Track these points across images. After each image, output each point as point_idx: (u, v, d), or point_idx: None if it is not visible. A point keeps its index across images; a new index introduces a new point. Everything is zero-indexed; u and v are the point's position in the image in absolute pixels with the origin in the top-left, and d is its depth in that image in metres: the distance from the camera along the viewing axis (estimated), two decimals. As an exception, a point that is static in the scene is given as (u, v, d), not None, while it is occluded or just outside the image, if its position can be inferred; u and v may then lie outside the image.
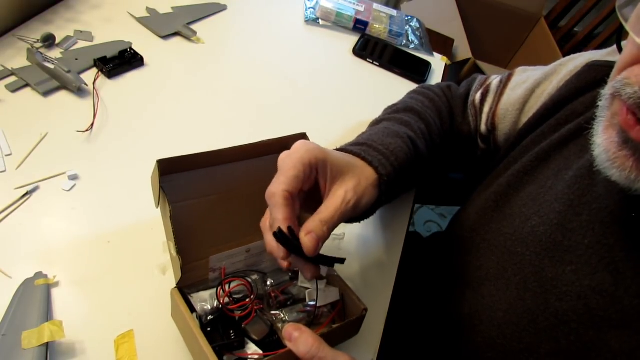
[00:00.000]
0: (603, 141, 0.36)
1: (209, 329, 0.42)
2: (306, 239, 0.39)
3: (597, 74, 0.50)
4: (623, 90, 0.34)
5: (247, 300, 0.44)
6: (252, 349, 0.42)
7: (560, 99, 0.52)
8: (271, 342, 0.44)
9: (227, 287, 0.45)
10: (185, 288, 0.44)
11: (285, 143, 0.44)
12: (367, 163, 0.47)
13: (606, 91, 0.37)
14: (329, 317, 0.48)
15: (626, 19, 0.33)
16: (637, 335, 0.38)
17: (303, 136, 0.48)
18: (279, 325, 0.46)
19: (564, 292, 0.43)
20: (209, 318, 0.43)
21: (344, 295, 0.48)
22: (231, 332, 0.42)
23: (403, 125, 0.56)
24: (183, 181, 0.44)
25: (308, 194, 0.44)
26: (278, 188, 0.39)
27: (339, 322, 0.47)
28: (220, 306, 0.43)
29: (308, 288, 0.49)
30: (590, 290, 0.41)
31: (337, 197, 0.42)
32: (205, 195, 0.46)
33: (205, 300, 0.44)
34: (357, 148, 0.49)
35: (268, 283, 0.49)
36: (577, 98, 0.51)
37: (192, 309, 0.42)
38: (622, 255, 0.40)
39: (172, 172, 0.43)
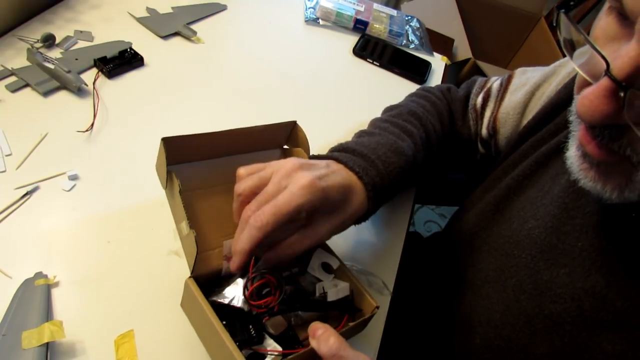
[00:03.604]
0: (572, 154, 0.37)
1: (224, 322, 0.39)
2: (265, 259, 0.43)
3: None
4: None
5: (272, 297, 0.43)
6: (270, 345, 0.42)
7: (559, 103, 0.53)
8: (288, 337, 0.44)
9: (253, 281, 0.43)
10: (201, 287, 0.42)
11: (277, 130, 0.47)
12: (364, 188, 0.47)
13: (572, 106, 0.38)
14: (344, 316, 0.47)
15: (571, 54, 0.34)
16: (629, 337, 0.38)
17: (294, 124, 0.49)
18: (293, 320, 0.46)
19: (558, 294, 0.43)
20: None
21: (354, 291, 0.48)
22: (250, 327, 0.41)
23: (407, 135, 0.56)
24: (189, 172, 0.44)
25: None
26: (265, 222, 0.39)
27: (349, 318, 0.47)
28: (246, 302, 0.42)
29: (319, 279, 0.49)
30: (583, 292, 0.41)
31: (317, 234, 0.44)
32: (212, 185, 0.47)
33: (225, 296, 0.43)
34: (360, 166, 0.48)
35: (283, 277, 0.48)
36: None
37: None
38: (613, 258, 0.40)
39: (177, 162, 0.43)
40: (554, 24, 0.46)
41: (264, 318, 0.43)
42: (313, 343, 0.37)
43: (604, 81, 0.30)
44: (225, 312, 0.41)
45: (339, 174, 0.45)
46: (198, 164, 0.46)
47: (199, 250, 0.40)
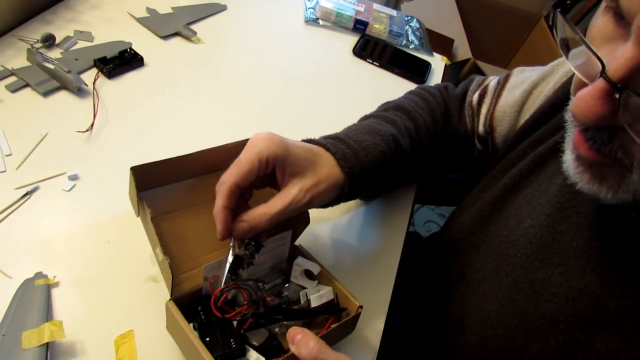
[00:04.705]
0: (568, 158, 0.37)
1: (207, 339, 0.41)
2: (237, 225, 0.42)
3: None
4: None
5: (244, 306, 0.44)
6: (253, 356, 0.42)
7: (556, 102, 0.53)
8: (271, 347, 0.44)
9: (219, 295, 0.43)
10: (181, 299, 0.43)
11: (242, 147, 0.44)
12: (331, 154, 0.48)
13: (568, 107, 0.38)
14: (328, 319, 0.48)
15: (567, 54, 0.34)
16: (621, 337, 0.39)
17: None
18: (277, 330, 0.46)
19: (553, 293, 0.43)
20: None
21: (338, 294, 0.48)
22: (231, 340, 0.42)
23: (389, 123, 0.56)
24: (163, 194, 0.44)
25: (268, 177, 0.45)
26: (229, 179, 0.41)
27: (335, 321, 0.47)
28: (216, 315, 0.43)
29: (303, 287, 0.49)
30: (578, 291, 0.41)
31: (288, 195, 0.43)
32: (188, 206, 0.47)
33: None
34: (326, 140, 0.50)
35: (261, 288, 0.48)
36: None
37: (188, 319, 0.41)
38: (607, 258, 0.40)
39: (151, 187, 0.43)
40: (550, 24, 0.46)
41: (243, 327, 0.43)
42: (293, 348, 0.37)
43: (599, 82, 0.30)
44: (207, 327, 0.42)
45: (302, 143, 0.47)
46: (172, 186, 0.46)
47: (175, 274, 0.41)
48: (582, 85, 0.33)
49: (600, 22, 0.33)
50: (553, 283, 0.43)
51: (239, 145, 0.44)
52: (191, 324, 0.42)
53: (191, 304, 0.43)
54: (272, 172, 0.44)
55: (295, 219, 0.50)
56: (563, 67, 0.57)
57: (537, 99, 0.59)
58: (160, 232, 0.41)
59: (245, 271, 0.43)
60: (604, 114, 0.30)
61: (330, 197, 0.48)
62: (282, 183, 0.44)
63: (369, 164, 0.50)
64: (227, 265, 0.42)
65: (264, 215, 0.42)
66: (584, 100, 0.30)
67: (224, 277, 0.42)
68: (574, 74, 0.48)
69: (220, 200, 0.41)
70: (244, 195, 0.44)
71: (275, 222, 0.43)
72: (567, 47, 0.34)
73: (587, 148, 0.33)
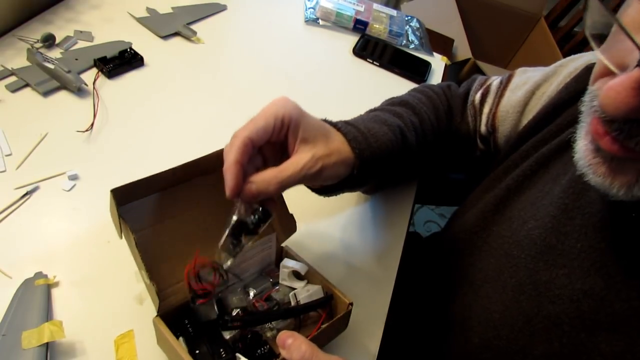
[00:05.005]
0: (581, 147, 0.36)
1: (197, 352, 0.41)
2: (246, 186, 0.39)
3: None
4: (592, 102, 0.34)
5: (209, 284, 0.43)
6: None
7: (560, 103, 0.52)
8: (263, 354, 0.44)
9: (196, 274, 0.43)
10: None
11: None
12: (342, 134, 0.47)
13: (586, 97, 0.37)
14: (319, 320, 0.47)
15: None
16: (626, 339, 0.38)
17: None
18: (268, 334, 0.46)
19: (557, 295, 0.43)
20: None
21: (327, 293, 0.48)
22: (221, 350, 0.41)
23: (395, 116, 0.56)
24: (143, 207, 0.43)
25: (279, 147, 0.44)
26: (242, 133, 0.39)
27: (326, 320, 0.47)
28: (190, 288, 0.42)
29: (292, 288, 0.49)
30: (582, 293, 0.41)
31: (300, 159, 0.42)
32: (170, 216, 0.46)
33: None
34: (338, 122, 0.49)
35: (251, 294, 0.48)
36: (576, 102, 0.50)
37: (177, 333, 0.41)
38: (612, 260, 0.40)
39: (130, 200, 0.42)
40: (583, 8, 0.44)
41: (198, 301, 0.43)
42: (284, 353, 0.37)
43: (636, 72, 0.28)
44: (195, 339, 0.42)
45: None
46: (152, 197, 0.45)
47: (161, 297, 0.40)
48: (606, 74, 0.32)
49: (634, 10, 0.31)
50: (557, 284, 0.43)
51: (220, 154, 0.42)
52: (180, 339, 0.42)
53: (178, 318, 0.43)
54: (284, 138, 0.43)
55: (283, 224, 0.50)
56: (566, 68, 0.57)
57: (540, 99, 0.58)
58: (144, 248, 0.40)
59: (247, 238, 0.41)
60: (635, 106, 0.29)
61: (339, 174, 0.46)
62: (293, 150, 0.43)
63: (378, 150, 0.49)
64: (228, 229, 0.40)
65: (275, 178, 0.40)
66: (616, 91, 0.29)
67: (223, 239, 0.40)
68: (580, 72, 0.47)
69: (232, 155, 0.39)
70: (253, 162, 0.42)
71: (285, 188, 0.41)
72: (598, 36, 0.32)
73: (610, 140, 0.32)
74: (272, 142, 0.43)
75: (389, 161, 0.51)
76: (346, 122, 0.51)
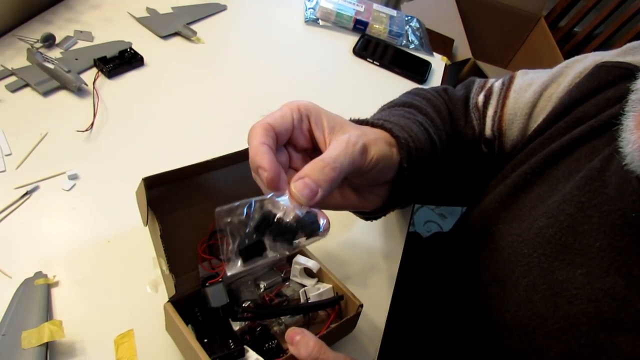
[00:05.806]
0: (637, 138, 0.34)
1: (205, 340, 0.41)
2: (297, 183, 0.33)
3: (609, 75, 0.49)
4: None
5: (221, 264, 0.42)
6: (252, 357, 0.41)
7: (570, 102, 0.51)
8: (270, 348, 0.44)
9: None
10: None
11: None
12: (377, 127, 0.43)
13: (638, 86, 0.35)
14: (329, 319, 0.47)
15: None
16: None
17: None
18: (276, 328, 0.46)
19: (574, 295, 0.42)
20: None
21: (338, 293, 0.48)
22: (230, 341, 0.41)
23: (409, 113, 0.53)
24: (168, 192, 0.43)
25: (308, 155, 0.41)
26: (259, 122, 0.37)
27: (335, 320, 0.47)
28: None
29: (302, 285, 0.49)
30: (602, 293, 0.40)
31: (340, 140, 0.37)
32: (192, 204, 0.46)
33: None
34: (365, 119, 0.45)
35: (261, 287, 0.48)
36: (588, 100, 0.50)
37: (186, 321, 0.41)
38: (634, 259, 0.39)
39: (156, 186, 0.42)
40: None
41: (208, 282, 0.43)
42: (292, 349, 0.37)
43: None
44: (205, 327, 0.43)
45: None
46: (180, 182, 0.44)
47: (178, 275, 0.41)
48: None
49: None
50: (575, 284, 0.42)
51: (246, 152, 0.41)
52: (189, 326, 0.42)
53: (189, 305, 0.43)
54: (308, 135, 0.40)
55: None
56: (573, 69, 0.56)
57: (549, 101, 0.57)
58: (165, 237, 0.41)
59: (281, 247, 0.36)
60: None
61: (385, 154, 0.40)
62: (324, 143, 0.40)
63: (419, 143, 0.45)
64: (257, 218, 0.34)
65: (323, 162, 0.34)
66: None
67: (248, 228, 0.34)
68: (589, 72, 0.46)
69: (255, 139, 0.35)
70: (280, 158, 0.38)
71: (341, 175, 0.35)
72: None
73: None
74: (300, 150, 0.41)
75: (429, 154, 0.48)
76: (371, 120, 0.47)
